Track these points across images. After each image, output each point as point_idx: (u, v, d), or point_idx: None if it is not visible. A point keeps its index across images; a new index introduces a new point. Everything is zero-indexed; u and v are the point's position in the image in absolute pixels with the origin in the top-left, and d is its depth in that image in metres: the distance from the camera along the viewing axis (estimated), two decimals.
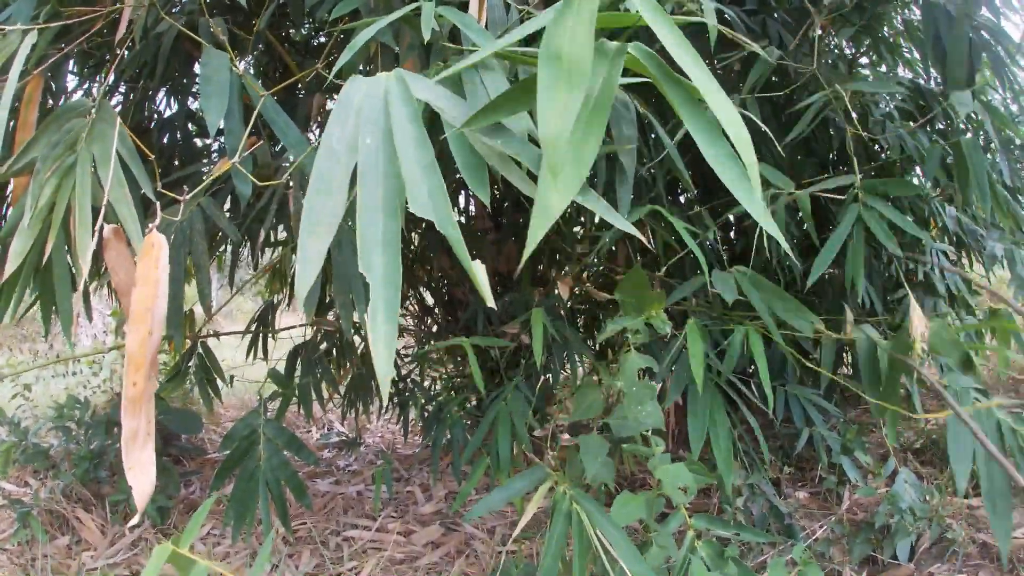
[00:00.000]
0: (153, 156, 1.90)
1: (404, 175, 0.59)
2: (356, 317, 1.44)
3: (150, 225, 0.81)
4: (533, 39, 0.71)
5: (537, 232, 0.58)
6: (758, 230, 1.80)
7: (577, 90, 0.55)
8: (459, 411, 1.92)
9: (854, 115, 1.85)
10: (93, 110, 1.21)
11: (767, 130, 1.42)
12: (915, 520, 1.92)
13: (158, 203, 1.14)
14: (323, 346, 2.31)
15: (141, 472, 0.74)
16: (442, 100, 0.68)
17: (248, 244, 2.08)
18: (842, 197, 1.75)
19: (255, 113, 1.22)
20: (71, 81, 2.29)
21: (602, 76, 0.68)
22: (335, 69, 0.94)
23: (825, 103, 1.77)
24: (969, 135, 2.07)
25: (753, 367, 2.39)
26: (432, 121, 0.81)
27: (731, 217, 2.10)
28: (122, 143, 1.26)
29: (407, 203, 0.60)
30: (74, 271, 1.24)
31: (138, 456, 0.74)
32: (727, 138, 0.68)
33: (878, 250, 2.14)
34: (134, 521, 0.79)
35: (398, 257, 0.55)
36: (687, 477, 1.17)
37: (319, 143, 0.63)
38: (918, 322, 1.46)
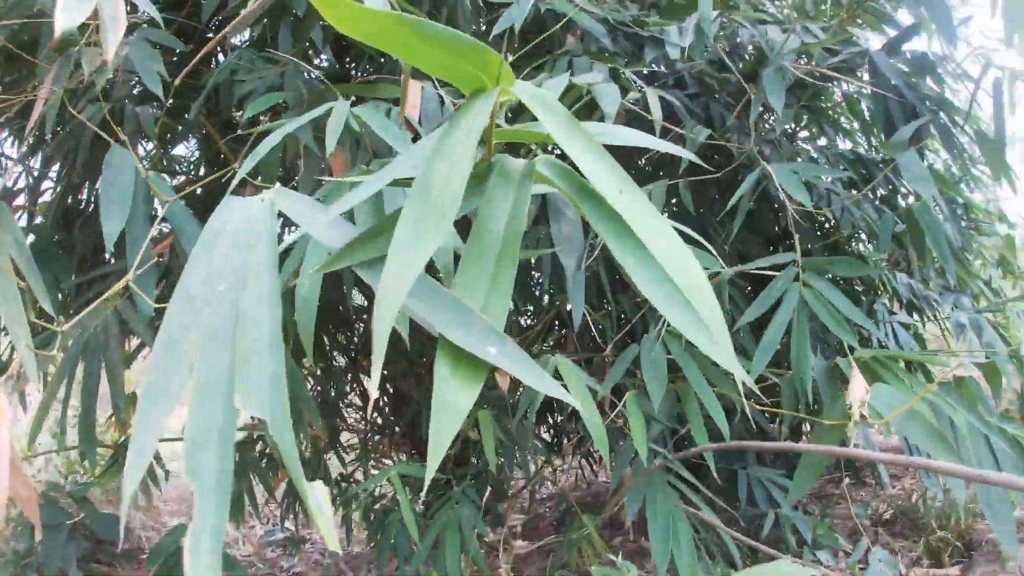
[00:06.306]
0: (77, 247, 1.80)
1: (238, 349, 0.45)
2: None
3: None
4: None
5: (442, 436, 0.44)
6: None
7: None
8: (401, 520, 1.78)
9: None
10: None
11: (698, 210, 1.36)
12: None
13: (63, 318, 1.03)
14: (258, 447, 2.16)
15: None
16: (321, 226, 0.57)
17: None
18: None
19: (158, 218, 1.10)
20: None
21: (507, 209, 0.56)
22: (245, 168, 0.79)
23: (759, 180, 1.71)
24: (912, 199, 2.04)
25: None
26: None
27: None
28: (19, 252, 1.17)
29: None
30: None
31: None
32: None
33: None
34: None
35: (231, 455, 0.42)
36: None
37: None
38: (858, 388, 1.32)
